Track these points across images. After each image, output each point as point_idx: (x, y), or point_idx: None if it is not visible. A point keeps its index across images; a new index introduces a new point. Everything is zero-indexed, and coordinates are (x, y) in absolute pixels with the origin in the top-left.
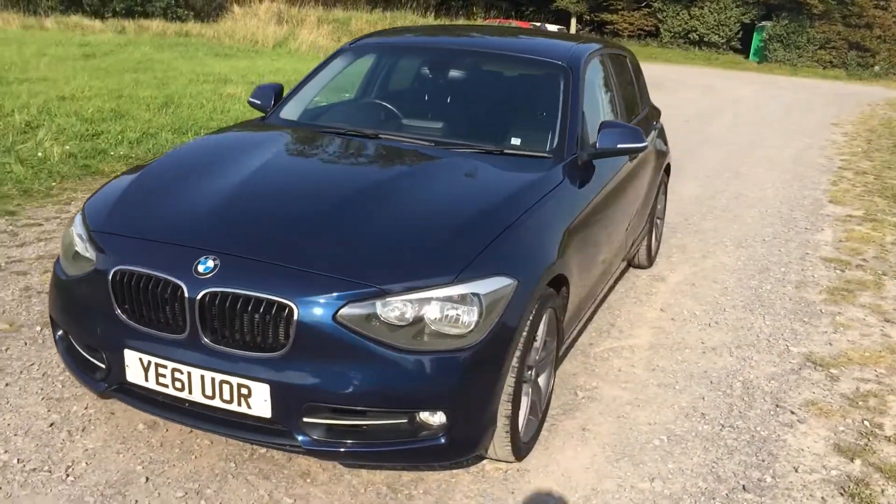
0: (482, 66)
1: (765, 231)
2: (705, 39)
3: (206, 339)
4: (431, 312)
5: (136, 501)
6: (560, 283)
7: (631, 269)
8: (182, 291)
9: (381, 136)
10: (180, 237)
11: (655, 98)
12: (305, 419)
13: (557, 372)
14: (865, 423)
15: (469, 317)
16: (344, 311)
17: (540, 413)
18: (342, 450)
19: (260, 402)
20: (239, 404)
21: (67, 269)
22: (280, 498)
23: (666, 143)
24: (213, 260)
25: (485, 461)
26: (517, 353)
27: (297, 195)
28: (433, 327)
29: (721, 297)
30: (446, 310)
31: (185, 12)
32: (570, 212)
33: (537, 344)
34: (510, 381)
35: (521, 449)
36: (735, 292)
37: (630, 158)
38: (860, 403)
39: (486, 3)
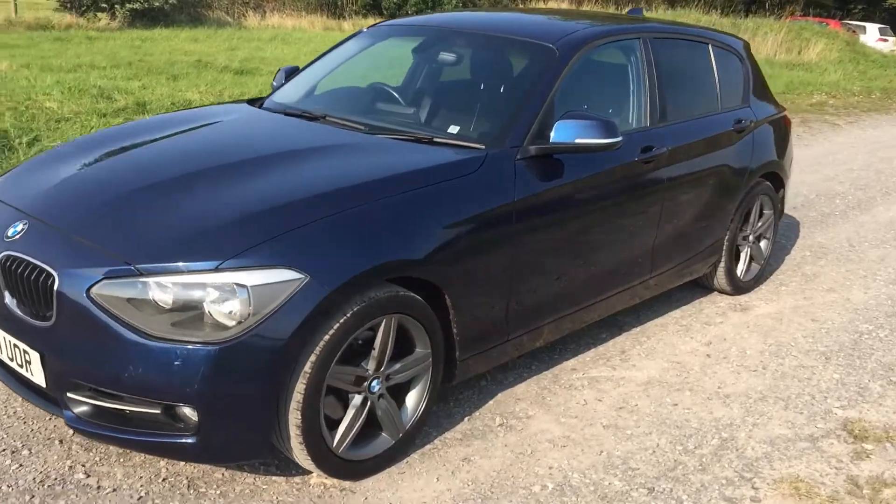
0: (470, 48)
1: None
2: None
3: (7, 301)
4: (193, 300)
5: None
6: (438, 289)
7: (709, 293)
8: None
9: (327, 117)
10: (17, 201)
11: None
12: (70, 395)
13: (501, 392)
14: None
15: (233, 308)
16: (98, 287)
17: (401, 432)
18: (104, 433)
19: (37, 370)
20: (25, 370)
21: None
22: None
23: (779, 155)
24: (24, 224)
25: (313, 473)
26: (312, 359)
27: (158, 170)
28: (193, 316)
29: (803, 338)
30: (209, 299)
31: None
32: (467, 209)
33: (376, 353)
34: (300, 387)
35: (335, 465)
36: (828, 336)
37: (646, 162)
38: (867, 492)
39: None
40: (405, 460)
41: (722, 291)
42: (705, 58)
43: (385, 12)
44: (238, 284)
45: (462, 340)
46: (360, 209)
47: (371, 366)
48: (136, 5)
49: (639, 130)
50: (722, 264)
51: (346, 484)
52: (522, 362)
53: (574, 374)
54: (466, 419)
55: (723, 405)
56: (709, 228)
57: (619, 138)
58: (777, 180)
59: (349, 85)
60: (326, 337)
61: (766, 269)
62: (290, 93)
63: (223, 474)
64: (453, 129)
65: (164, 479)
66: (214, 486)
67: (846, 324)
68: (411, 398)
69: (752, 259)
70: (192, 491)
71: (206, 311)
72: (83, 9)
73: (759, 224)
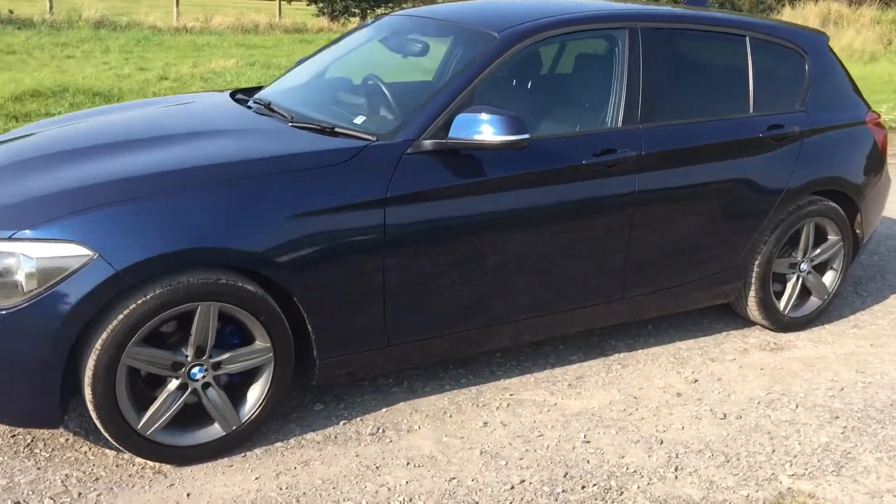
0: (431, 36)
1: None
2: None
3: None
4: None
5: None
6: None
7: (750, 325)
8: None
9: (270, 106)
10: None
11: None
12: None
13: (405, 400)
14: None
15: (19, 278)
16: None
17: (233, 424)
18: None
19: None
20: None
21: None
22: None
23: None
24: None
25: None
26: (104, 336)
27: (73, 141)
28: None
29: (822, 392)
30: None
31: None
32: (322, 201)
33: (192, 340)
34: (90, 363)
35: (140, 446)
36: (860, 393)
37: (607, 167)
38: None
39: None
40: (244, 453)
41: (763, 325)
42: (735, 52)
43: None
44: (25, 255)
45: (321, 341)
46: (182, 192)
47: (190, 352)
48: (386, 10)
49: (599, 131)
50: (752, 294)
51: (166, 468)
52: (455, 373)
53: (502, 394)
54: (343, 422)
55: (645, 451)
56: (719, 249)
57: (524, 136)
58: (847, 200)
59: (327, 75)
60: (121, 316)
61: (837, 306)
62: (279, 82)
63: (66, 439)
64: (358, 120)
65: (13, 436)
66: (50, 449)
67: (894, 382)
68: (252, 392)
69: (807, 291)
70: (26, 450)
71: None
72: (335, 14)
73: (818, 251)
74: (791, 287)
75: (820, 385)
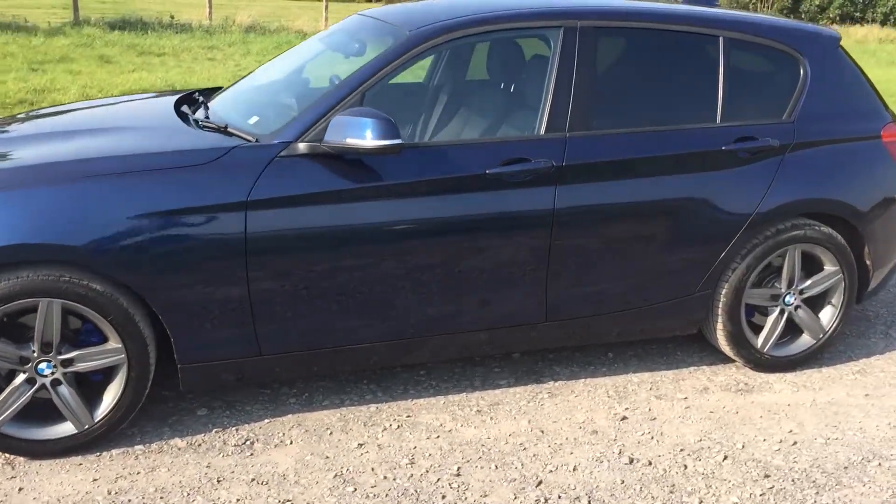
0: (377, 36)
1: None
2: None
3: None
4: None
5: None
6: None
7: (727, 361)
8: None
9: (204, 105)
10: None
11: None
12: None
13: (296, 413)
14: None
15: None
16: None
17: (86, 424)
18: None
19: None
20: None
21: None
22: None
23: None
24: None
25: None
26: None
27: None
28: None
29: (774, 444)
30: None
31: None
32: (173, 201)
33: (35, 335)
34: None
35: None
36: (817, 450)
37: (511, 178)
38: None
39: None
40: (100, 453)
41: (740, 362)
42: (702, 54)
43: (804, 16)
44: None
45: (182, 345)
46: (31, 187)
47: (35, 347)
48: None
49: (512, 139)
50: (720, 327)
51: (19, 460)
52: (365, 387)
53: (400, 414)
54: (216, 430)
55: (514, 491)
56: (669, 275)
57: (396, 141)
58: (849, 227)
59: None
60: None
61: (851, 346)
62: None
63: None
64: (252, 120)
65: None
66: None
67: (866, 442)
68: (108, 393)
69: (799, 329)
70: None
71: None
72: None
73: (809, 283)
74: (772, 322)
75: (771, 436)
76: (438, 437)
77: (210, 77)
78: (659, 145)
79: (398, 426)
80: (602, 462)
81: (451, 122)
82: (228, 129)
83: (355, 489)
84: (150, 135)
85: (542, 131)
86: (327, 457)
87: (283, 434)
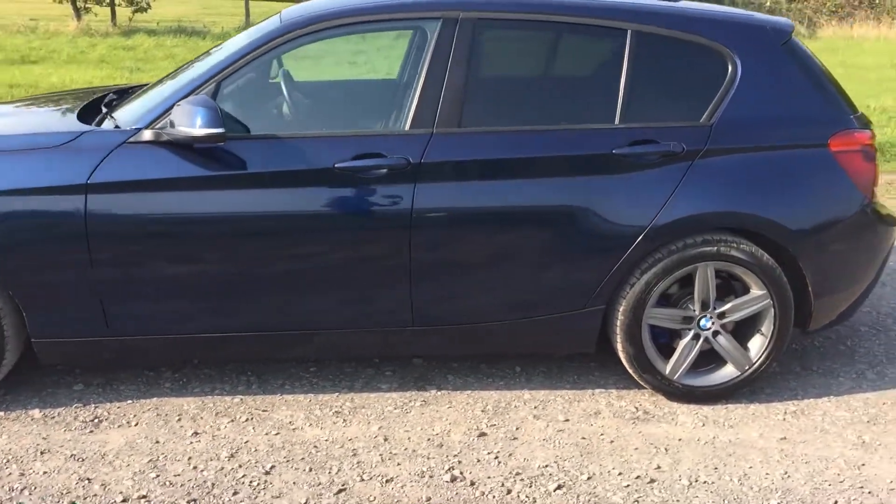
0: None
1: None
2: None
3: None
4: None
5: None
6: None
7: (628, 386)
8: None
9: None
10: None
11: None
12: None
13: (154, 399)
14: None
15: None
16: None
17: None
18: None
19: None
20: None
21: None
22: None
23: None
24: None
25: None
26: None
27: None
28: None
29: (619, 475)
30: None
31: None
32: (16, 181)
33: None
34: None
35: None
36: (663, 492)
37: (360, 174)
38: None
39: None
40: None
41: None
42: (605, 49)
43: None
44: None
45: (34, 320)
46: None
47: None
48: None
49: (369, 134)
50: (620, 348)
51: None
52: (244, 378)
53: (259, 407)
54: (77, 406)
55: (306, 494)
56: (550, 288)
57: (217, 130)
58: (772, 245)
59: None
60: None
61: (818, 385)
62: None
63: None
64: (132, 109)
65: None
66: None
67: (739, 492)
68: None
69: (722, 359)
70: None
71: None
72: None
73: (728, 306)
74: (684, 347)
75: (630, 471)
76: (278, 434)
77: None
78: (537, 146)
79: (247, 419)
80: (423, 477)
81: (317, 114)
82: (110, 117)
83: (158, 476)
84: (27, 120)
85: (408, 127)
86: (157, 441)
87: (135, 415)
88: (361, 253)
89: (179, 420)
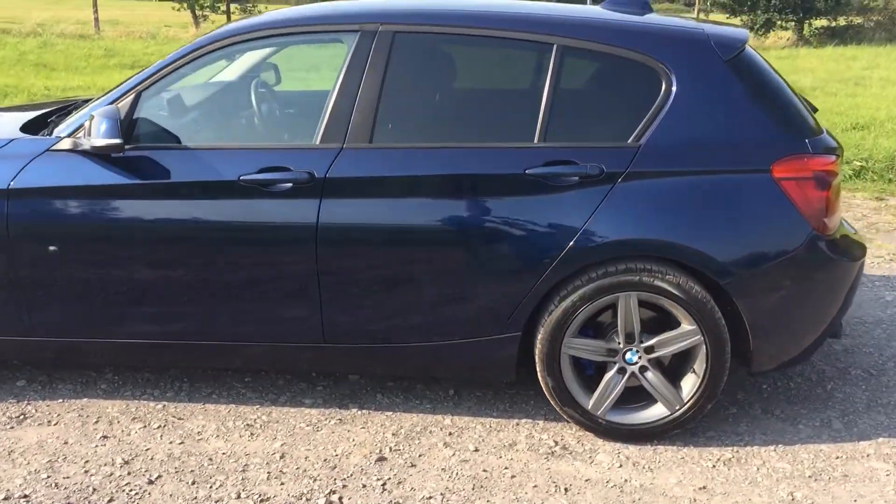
0: None
1: None
2: None
3: None
4: None
5: None
6: None
7: (557, 418)
8: None
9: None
10: None
11: None
12: None
13: (81, 401)
14: None
15: None
16: None
17: None
18: None
19: None
20: None
21: None
22: None
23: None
24: None
25: None
26: None
27: None
28: None
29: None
30: None
31: None
32: None
33: None
34: None
35: None
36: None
37: (264, 188)
38: None
39: None
40: None
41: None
42: (528, 65)
43: None
44: None
45: None
46: None
47: None
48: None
49: (276, 147)
50: (540, 379)
51: None
52: (179, 386)
53: (175, 415)
54: (12, 403)
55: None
56: (461, 312)
57: (114, 141)
58: (703, 277)
59: None
60: None
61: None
62: None
63: None
64: (73, 118)
65: None
66: None
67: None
68: None
69: (651, 396)
70: None
71: None
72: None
73: (655, 340)
74: (608, 381)
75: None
76: (182, 443)
77: None
78: (447, 164)
79: (160, 426)
80: (300, 499)
81: (235, 126)
82: (54, 126)
83: (49, 477)
84: None
85: (319, 141)
86: (66, 442)
87: (59, 415)
88: (270, 267)
89: (97, 422)
